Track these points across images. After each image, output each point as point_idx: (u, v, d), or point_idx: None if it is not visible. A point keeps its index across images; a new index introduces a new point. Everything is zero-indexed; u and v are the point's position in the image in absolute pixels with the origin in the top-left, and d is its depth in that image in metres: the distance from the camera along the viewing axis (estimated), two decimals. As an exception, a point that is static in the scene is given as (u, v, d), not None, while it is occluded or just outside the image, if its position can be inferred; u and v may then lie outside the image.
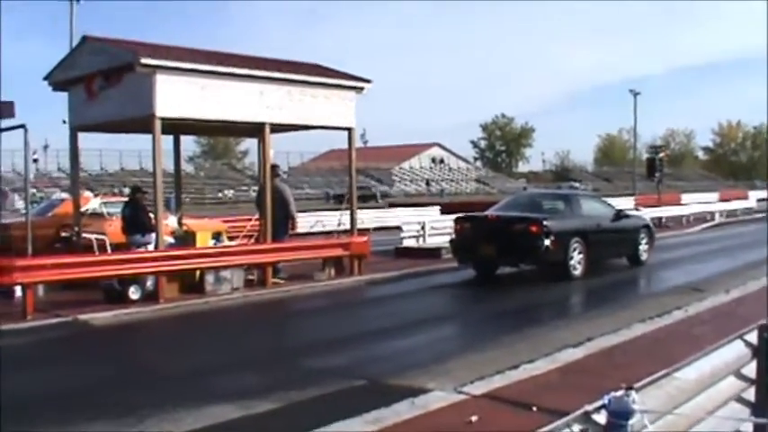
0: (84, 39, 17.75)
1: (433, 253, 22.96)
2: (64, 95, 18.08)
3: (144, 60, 15.63)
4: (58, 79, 17.88)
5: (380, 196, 78.95)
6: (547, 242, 17.42)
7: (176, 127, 18.26)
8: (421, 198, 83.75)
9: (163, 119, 15.98)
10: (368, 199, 73.12)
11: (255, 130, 18.66)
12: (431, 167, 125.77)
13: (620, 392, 4.07)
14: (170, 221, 19.34)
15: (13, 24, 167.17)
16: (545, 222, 17.68)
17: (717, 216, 41.45)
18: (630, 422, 4.00)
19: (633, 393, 4.07)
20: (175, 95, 16.06)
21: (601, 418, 4.04)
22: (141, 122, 16.44)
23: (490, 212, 19.64)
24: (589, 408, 4.04)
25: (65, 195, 25.47)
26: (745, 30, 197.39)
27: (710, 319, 12.11)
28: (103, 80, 16.73)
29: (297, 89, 18.22)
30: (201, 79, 16.48)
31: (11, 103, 15.62)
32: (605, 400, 4.05)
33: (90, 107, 17.22)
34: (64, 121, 18.43)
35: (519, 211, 19.21)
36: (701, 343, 6.97)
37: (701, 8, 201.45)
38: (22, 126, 15.72)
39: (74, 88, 17.64)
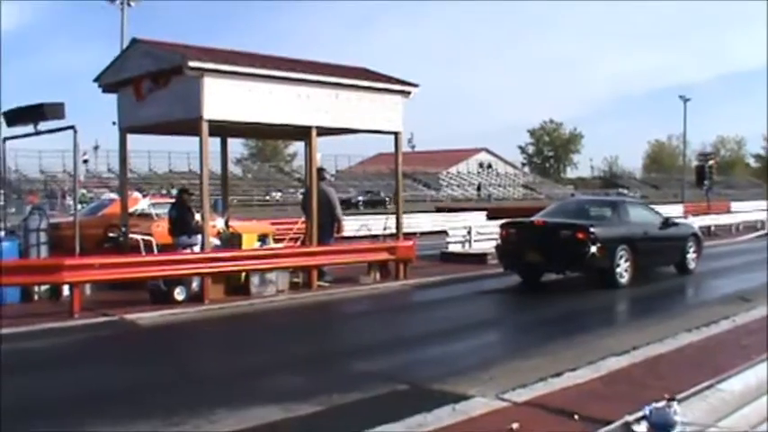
0: (134, 41, 17.92)
1: (479, 258, 22.88)
2: (114, 97, 18.25)
3: (192, 63, 15.75)
4: (108, 81, 18.06)
5: (390, 201, 77.77)
6: (593, 249, 17.24)
7: (223, 129, 18.39)
8: (468, 203, 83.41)
9: (210, 121, 16.09)
10: (376, 204, 72.89)
11: (302, 133, 18.72)
12: (478, 172, 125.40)
13: (661, 403, 4.01)
14: (218, 223, 19.51)
15: (67, 27, 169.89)
16: (592, 229, 17.52)
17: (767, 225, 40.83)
18: (672, 434, 3.94)
19: (675, 405, 4.01)
20: (223, 98, 16.17)
21: (642, 428, 3.98)
22: (189, 125, 16.55)
23: (536, 218, 19.51)
24: (630, 418, 3.98)
25: (114, 196, 25.75)
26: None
27: (759, 329, 11.90)
28: (152, 82, 16.88)
29: (344, 93, 18.26)
30: (249, 82, 16.58)
31: (60, 105, 15.81)
32: (646, 410, 3.99)
33: (138, 109, 17.37)
34: (113, 123, 18.61)
35: (566, 218, 19.03)
36: (749, 353, 6.89)
37: (751, 12, 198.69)
38: (72, 127, 15.92)
39: (123, 90, 17.81)
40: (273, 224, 23.98)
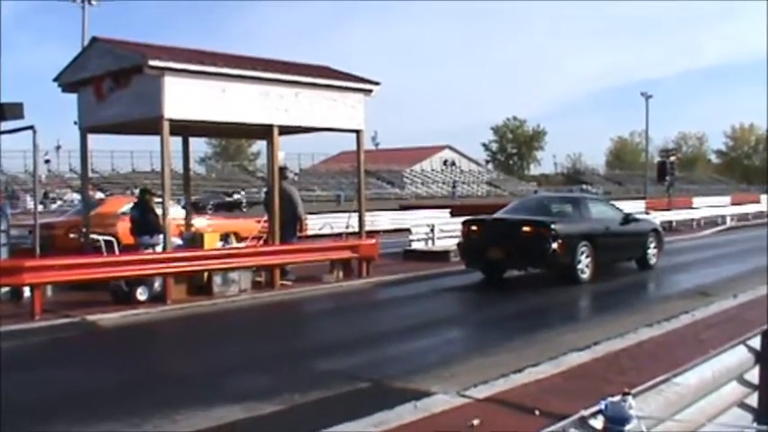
0: (94, 40, 17.79)
1: (442, 256, 22.94)
2: (75, 97, 18.09)
3: (152, 62, 15.66)
4: (68, 81, 17.92)
5: (246, 204, 69.35)
6: (554, 245, 17.35)
7: (185, 128, 18.34)
8: (432, 200, 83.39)
9: (171, 120, 16.01)
10: (232, 207, 64.99)
11: (264, 131, 18.67)
12: (442, 170, 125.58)
13: (617, 397, 4.04)
14: (198, 222, 19.63)
15: (26, 26, 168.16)
16: (553, 226, 17.63)
17: (728, 220, 41.30)
18: (627, 428, 3.97)
19: (630, 399, 4.04)
20: (183, 97, 16.10)
21: (598, 423, 4.01)
22: (150, 124, 16.48)
23: (498, 215, 19.59)
24: (585, 413, 4.01)
25: (102, 195, 25.78)
26: (758, 31, 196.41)
27: (718, 323, 12.04)
28: (112, 82, 16.76)
29: (304, 91, 18.24)
30: (209, 81, 16.51)
31: (19, 105, 15.67)
32: (602, 405, 4.02)
33: (99, 109, 17.25)
34: (75, 123, 18.47)
35: (527, 215, 19.11)
36: (707, 347, 6.93)
37: (713, 10, 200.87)
38: (31, 127, 15.79)
39: (83, 90, 17.68)
40: (258, 222, 23.98)
